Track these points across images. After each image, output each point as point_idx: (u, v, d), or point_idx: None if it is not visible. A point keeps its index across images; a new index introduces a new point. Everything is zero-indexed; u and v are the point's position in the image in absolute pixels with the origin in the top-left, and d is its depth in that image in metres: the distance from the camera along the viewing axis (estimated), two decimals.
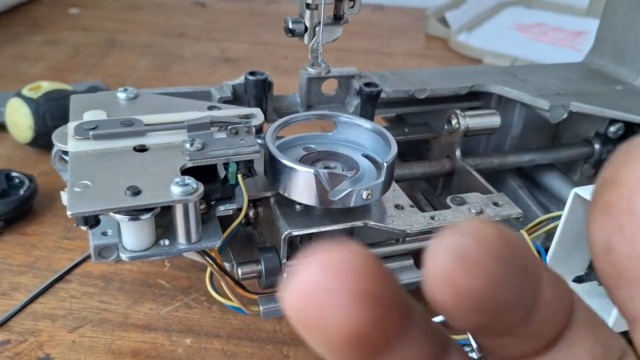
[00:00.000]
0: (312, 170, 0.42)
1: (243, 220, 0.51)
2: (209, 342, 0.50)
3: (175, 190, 0.38)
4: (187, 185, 0.38)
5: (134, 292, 0.54)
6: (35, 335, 0.49)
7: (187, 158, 0.41)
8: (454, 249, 0.16)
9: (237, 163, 0.43)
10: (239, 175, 0.43)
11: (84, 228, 0.39)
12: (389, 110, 0.61)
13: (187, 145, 0.42)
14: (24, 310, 0.51)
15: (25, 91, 0.70)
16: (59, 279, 0.54)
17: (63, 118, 0.66)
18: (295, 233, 0.44)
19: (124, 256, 0.39)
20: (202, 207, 0.42)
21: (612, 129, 0.61)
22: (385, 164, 0.44)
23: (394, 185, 0.50)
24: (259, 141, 0.45)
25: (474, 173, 0.54)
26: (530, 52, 1.07)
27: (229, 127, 0.44)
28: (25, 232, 0.61)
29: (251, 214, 0.50)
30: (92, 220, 0.38)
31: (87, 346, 0.48)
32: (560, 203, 0.61)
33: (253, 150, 0.42)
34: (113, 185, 0.38)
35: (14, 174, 0.64)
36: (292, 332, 0.52)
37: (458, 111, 0.56)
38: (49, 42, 1.10)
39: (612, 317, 0.44)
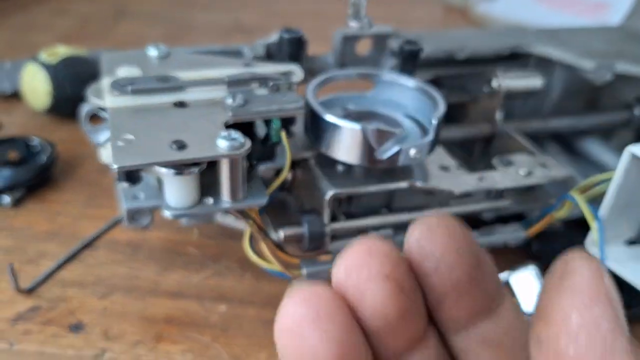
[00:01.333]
0: (358, 127, 0.40)
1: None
2: (244, 309, 0.48)
3: (222, 145, 0.36)
4: (234, 139, 0.36)
5: (163, 259, 0.52)
6: (65, 302, 0.47)
7: (230, 114, 0.39)
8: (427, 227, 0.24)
9: (280, 120, 0.41)
10: (283, 133, 0.41)
11: (125, 184, 0.37)
12: (424, 72, 0.58)
13: (229, 101, 0.39)
14: (52, 277, 0.49)
15: (42, 56, 0.68)
16: (86, 246, 0.53)
17: (82, 83, 0.63)
18: (341, 194, 0.42)
19: (168, 213, 0.37)
20: (245, 164, 0.40)
21: None
22: (434, 122, 0.42)
23: (439, 147, 0.48)
24: None
25: (517, 136, 0.52)
26: (553, 23, 1.05)
27: (271, 84, 0.42)
28: (47, 200, 0.59)
29: (289, 176, 0.48)
30: (135, 176, 0.36)
31: (119, 312, 0.47)
32: (599, 170, 0.59)
33: (297, 107, 0.40)
34: (157, 140, 0.36)
35: (34, 140, 0.62)
36: None
37: (499, 72, 0.54)
38: (58, 11, 1.07)
39: None
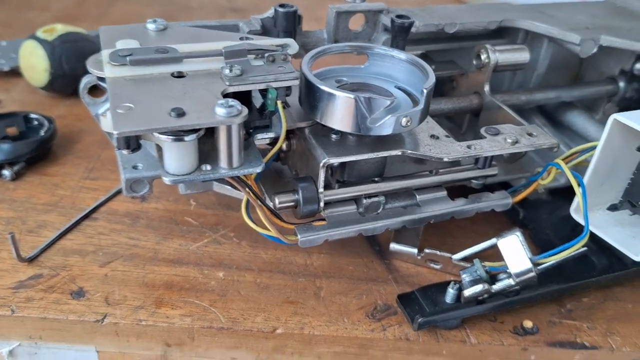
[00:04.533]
0: (352, 96, 0.42)
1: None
2: (241, 275, 0.50)
3: (220, 112, 0.37)
4: (231, 107, 0.37)
5: (162, 229, 0.54)
6: (66, 270, 0.49)
7: (227, 83, 0.40)
8: None
9: (277, 90, 0.42)
10: (279, 102, 0.42)
11: (125, 152, 0.38)
12: (415, 47, 0.60)
13: (227, 71, 0.41)
14: (53, 246, 0.51)
15: (40, 33, 0.69)
16: (86, 216, 0.54)
17: (80, 60, 0.65)
18: (333, 161, 0.43)
19: (166, 179, 0.38)
20: (242, 133, 0.41)
21: (638, 65, 0.61)
22: (424, 91, 0.43)
23: (428, 118, 0.50)
24: None
25: (504, 107, 0.54)
26: None
27: (266, 55, 0.43)
28: (47, 173, 0.60)
29: (284, 145, 0.49)
30: (134, 143, 0.38)
31: (120, 279, 0.48)
32: (584, 141, 0.60)
33: (292, 77, 0.42)
34: (156, 108, 0.37)
35: (33, 115, 0.63)
36: (324, 265, 0.52)
37: (488, 45, 0.55)
38: None
39: None
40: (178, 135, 0.37)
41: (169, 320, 0.45)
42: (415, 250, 0.52)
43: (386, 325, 0.47)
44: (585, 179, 0.47)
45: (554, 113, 0.66)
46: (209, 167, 0.39)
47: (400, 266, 0.53)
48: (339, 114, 0.43)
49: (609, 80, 0.63)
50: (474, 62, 0.57)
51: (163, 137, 0.36)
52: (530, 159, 0.60)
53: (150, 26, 0.48)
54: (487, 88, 0.56)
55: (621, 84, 0.62)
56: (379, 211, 0.48)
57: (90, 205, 0.55)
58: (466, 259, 0.50)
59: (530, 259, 0.44)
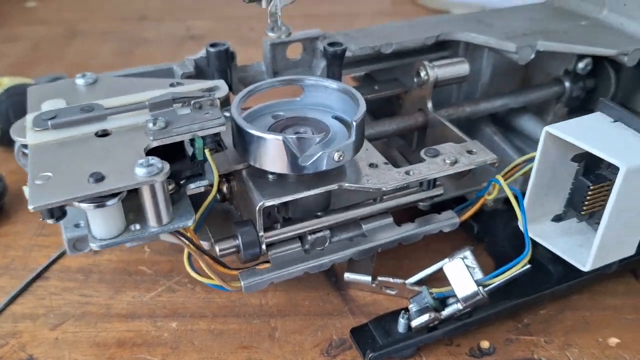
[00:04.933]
0: (280, 137, 0.41)
1: (218, 197, 0.50)
2: (195, 323, 0.49)
3: (140, 172, 0.36)
4: (151, 165, 0.37)
5: (115, 281, 0.53)
6: (16, 337, 0.48)
7: (151, 138, 0.40)
8: None
9: (203, 138, 0.42)
10: (207, 150, 0.42)
11: (50, 221, 0.37)
12: (357, 69, 0.59)
13: (150, 125, 0.40)
14: (2, 313, 0.50)
15: None
16: (37, 277, 0.53)
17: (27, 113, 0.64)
18: (269, 203, 0.43)
19: (94, 245, 0.38)
20: (170, 187, 0.41)
21: (580, 65, 0.61)
22: (354, 123, 0.43)
23: (367, 144, 0.49)
24: (226, 114, 0.44)
25: (447, 123, 0.54)
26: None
27: (192, 102, 0.43)
28: None
29: (225, 189, 0.49)
30: (57, 212, 0.37)
31: (71, 342, 0.48)
32: (536, 145, 0.60)
33: (218, 123, 0.41)
34: (75, 174, 0.37)
35: None
36: (279, 303, 0.51)
37: (426, 62, 0.55)
38: (8, 38, 1.08)
39: (591, 256, 0.44)
40: (99, 201, 0.36)
41: None
42: (369, 278, 0.51)
43: None
44: (528, 191, 0.47)
45: (506, 119, 0.65)
46: (138, 227, 0.39)
47: (357, 296, 0.52)
48: (270, 156, 0.42)
49: (554, 81, 0.63)
50: (415, 79, 0.56)
51: (84, 205, 0.36)
52: (485, 169, 0.60)
53: (80, 81, 0.48)
54: (429, 105, 0.56)
55: (567, 84, 0.62)
56: (324, 246, 0.47)
57: (41, 265, 0.54)
58: (420, 281, 0.50)
59: (477, 282, 0.43)
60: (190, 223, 0.40)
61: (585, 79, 0.63)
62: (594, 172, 0.45)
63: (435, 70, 0.55)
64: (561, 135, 0.43)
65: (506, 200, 0.57)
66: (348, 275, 0.52)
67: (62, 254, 0.56)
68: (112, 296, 0.52)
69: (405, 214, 0.51)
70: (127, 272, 0.54)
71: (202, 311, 0.50)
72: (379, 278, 0.51)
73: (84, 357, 0.46)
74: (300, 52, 0.57)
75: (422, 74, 0.55)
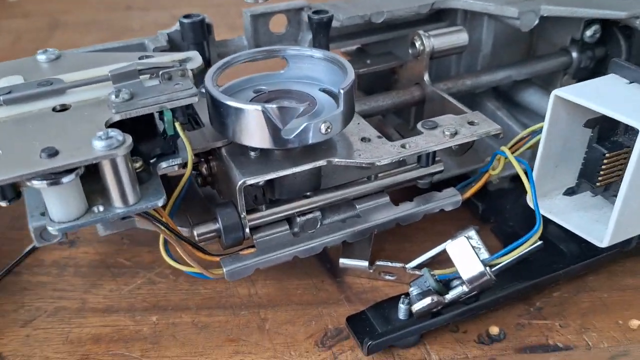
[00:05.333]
0: (259, 107, 0.37)
1: (199, 180, 0.47)
2: (177, 316, 0.45)
3: (98, 146, 0.32)
4: (110, 138, 0.33)
5: (92, 275, 0.49)
6: None
7: (113, 111, 0.36)
8: None
9: (173, 111, 0.37)
10: (177, 124, 0.38)
11: (2, 203, 0.34)
12: (349, 42, 0.55)
13: (113, 97, 0.36)
14: None
15: None
16: (7, 272, 0.49)
17: None
18: (251, 181, 0.39)
19: (52, 229, 0.34)
20: (138, 164, 0.37)
21: (588, 32, 0.56)
22: (341, 91, 0.39)
23: (359, 118, 0.45)
24: (203, 91, 0.40)
25: (446, 96, 0.50)
26: None
27: (161, 73, 0.38)
28: None
29: (204, 170, 0.45)
30: (10, 193, 0.33)
31: (42, 339, 0.44)
32: (543, 120, 0.56)
33: (189, 94, 0.37)
34: (27, 150, 0.33)
35: None
36: (270, 292, 0.47)
37: (421, 32, 0.51)
38: None
39: (609, 230, 0.40)
40: (53, 178, 0.32)
41: None
42: (366, 264, 0.47)
43: (337, 353, 0.42)
44: (536, 164, 0.43)
45: (509, 93, 0.61)
46: (101, 209, 0.35)
47: (354, 283, 0.48)
48: (250, 129, 0.38)
49: (561, 52, 0.58)
50: (410, 50, 0.52)
51: (36, 182, 0.32)
52: (489, 146, 0.56)
53: (41, 57, 0.44)
54: (426, 77, 0.52)
55: (574, 54, 0.58)
56: (316, 228, 0.43)
57: (12, 261, 0.50)
58: (422, 265, 0.45)
59: (483, 261, 0.39)
60: (160, 203, 0.36)
61: (594, 47, 0.58)
62: (609, 139, 0.41)
63: (432, 40, 0.51)
64: (572, 99, 0.39)
65: (513, 178, 0.54)
66: (343, 261, 0.48)
67: (34, 248, 0.51)
68: (88, 290, 0.48)
69: (404, 195, 0.47)
70: (105, 264, 0.50)
71: (185, 303, 0.46)
72: (377, 263, 0.47)
73: (56, 355, 0.42)
74: (285, 25, 0.53)
75: (418, 44, 0.51)
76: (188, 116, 0.41)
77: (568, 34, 0.58)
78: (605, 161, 0.40)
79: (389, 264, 0.47)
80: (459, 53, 0.53)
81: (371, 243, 0.48)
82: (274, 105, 0.37)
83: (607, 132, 0.40)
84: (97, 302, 0.47)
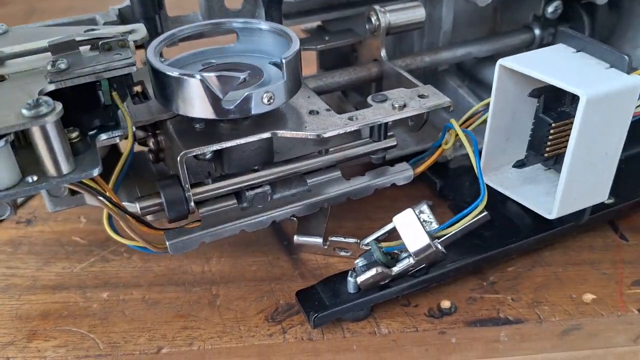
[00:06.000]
0: (197, 77, 0.37)
1: (151, 157, 0.46)
2: (128, 292, 0.45)
3: (27, 113, 0.32)
4: (40, 105, 0.32)
5: (45, 253, 0.49)
6: None
7: (48, 80, 0.35)
8: None
9: (111, 81, 0.37)
10: (115, 94, 0.37)
11: None
12: (308, 19, 0.55)
13: (49, 67, 0.36)
14: None
15: None
16: None
17: None
18: (192, 153, 0.39)
19: None
20: (74, 135, 0.36)
21: (549, 8, 0.56)
22: (284, 61, 0.38)
23: (309, 92, 0.45)
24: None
25: (402, 71, 0.49)
26: None
27: (100, 43, 0.38)
28: None
29: (152, 144, 0.44)
30: None
31: None
32: None
33: (125, 64, 0.37)
34: None
35: None
36: (224, 269, 0.47)
37: (377, 7, 0.50)
38: None
39: (556, 201, 0.39)
40: None
41: (41, 354, 0.40)
42: (320, 240, 0.47)
43: (287, 327, 0.42)
44: (486, 136, 0.42)
45: (473, 71, 0.61)
46: (35, 178, 0.34)
47: (309, 259, 0.48)
48: (191, 99, 0.38)
49: (523, 29, 0.58)
50: (367, 26, 0.52)
51: None
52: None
53: None
54: (383, 53, 0.51)
55: (536, 31, 0.58)
56: (265, 203, 0.43)
57: None
58: (377, 241, 0.45)
59: (429, 233, 0.39)
60: (95, 172, 0.35)
61: (556, 24, 0.58)
62: (555, 109, 0.40)
63: (387, 16, 0.50)
64: (516, 67, 0.38)
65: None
66: (298, 238, 0.47)
67: None
68: (41, 268, 0.47)
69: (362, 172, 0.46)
70: (60, 243, 0.50)
71: (137, 280, 0.46)
72: (331, 238, 0.46)
73: (4, 331, 0.42)
74: (242, 1, 0.53)
75: (373, 19, 0.50)
76: (136, 89, 0.41)
77: (530, 11, 0.57)
78: (551, 131, 0.39)
79: (343, 239, 0.46)
80: (416, 29, 0.53)
81: (327, 219, 0.48)
82: (213, 74, 0.37)
83: (553, 102, 0.40)
84: (48, 280, 0.46)
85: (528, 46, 0.58)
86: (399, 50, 0.60)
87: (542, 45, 0.58)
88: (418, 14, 0.51)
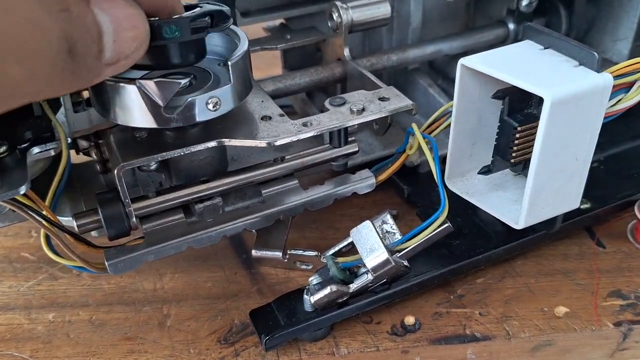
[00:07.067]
0: (135, 83, 0.34)
1: (99, 168, 0.43)
2: (75, 313, 0.42)
3: None
4: None
5: None
6: None
7: None
8: None
9: None
10: (44, 104, 0.34)
11: None
12: (269, 16, 0.52)
13: None
14: None
15: None
16: None
17: None
18: (130, 165, 0.36)
19: None
20: (1, 149, 0.34)
21: (524, 2, 0.53)
22: (229, 63, 0.36)
23: (264, 96, 0.42)
24: None
25: (364, 72, 0.46)
26: None
27: None
28: None
29: (94, 155, 0.41)
30: None
31: None
32: None
33: None
34: None
35: None
36: (177, 286, 0.44)
37: (338, 3, 0.47)
38: None
39: (523, 210, 0.37)
40: None
41: None
42: (279, 253, 0.44)
43: (240, 350, 0.39)
44: (450, 141, 0.40)
45: (446, 69, 0.58)
46: None
47: (268, 274, 0.45)
48: (128, 107, 0.35)
49: (497, 23, 0.55)
50: (329, 24, 0.49)
51: None
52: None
53: None
54: (346, 52, 0.49)
55: (511, 26, 0.55)
56: (216, 216, 0.40)
57: None
58: (340, 254, 0.42)
59: (388, 247, 0.36)
60: (22, 190, 0.33)
61: (532, 18, 0.55)
62: (521, 111, 0.37)
63: (350, 13, 0.47)
64: (478, 67, 0.36)
65: (443, 161, 0.51)
66: (256, 251, 0.44)
67: None
68: None
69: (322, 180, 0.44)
70: (8, 259, 0.47)
71: (85, 300, 0.43)
72: (290, 252, 0.44)
73: None
74: None
75: (335, 16, 0.48)
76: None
77: (504, 5, 0.55)
78: (517, 135, 0.37)
79: (302, 252, 0.43)
80: (382, 26, 0.50)
81: (287, 231, 0.45)
82: (151, 80, 0.34)
83: (519, 104, 0.37)
84: None
85: (502, 42, 0.55)
86: (368, 48, 0.57)
87: (516, 40, 0.55)
88: (383, 10, 0.48)
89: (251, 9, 0.51)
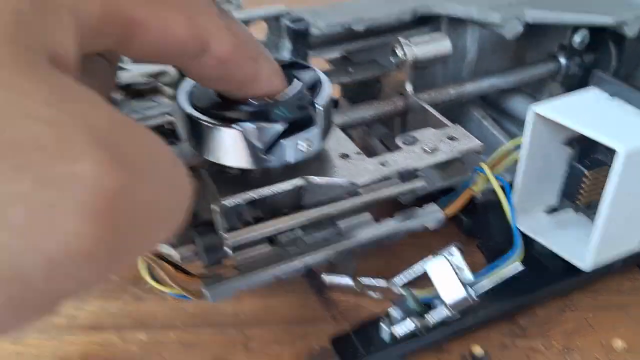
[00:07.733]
0: (238, 128, 0.37)
1: None
2: (165, 334, 0.46)
3: None
4: None
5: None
6: None
7: None
8: None
9: None
10: None
11: None
12: (331, 49, 0.55)
13: None
14: None
15: None
16: None
17: None
18: (229, 203, 0.39)
19: None
20: None
21: (576, 38, 0.56)
22: (319, 108, 0.39)
23: (338, 133, 0.45)
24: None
25: (427, 107, 0.49)
26: None
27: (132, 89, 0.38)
28: None
29: None
30: None
31: (33, 356, 0.44)
32: None
33: (161, 112, 0.37)
34: None
35: None
36: (255, 309, 0.47)
37: (401, 39, 0.50)
38: None
39: (590, 254, 0.39)
40: None
41: None
42: (350, 280, 0.47)
43: None
44: (517, 181, 0.43)
45: (497, 101, 0.61)
46: None
47: (339, 299, 0.48)
48: (227, 149, 0.38)
49: (549, 58, 0.58)
50: (392, 59, 0.52)
51: None
52: (476, 156, 0.55)
53: None
54: (409, 87, 0.51)
55: (562, 61, 0.57)
56: (298, 247, 0.43)
57: None
58: (407, 283, 0.45)
59: (464, 284, 0.39)
60: None
61: (582, 54, 0.58)
62: (589, 157, 0.40)
63: (413, 49, 0.50)
64: (549, 116, 0.39)
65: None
66: (326, 277, 0.47)
67: None
68: (78, 306, 0.48)
69: (386, 206, 0.46)
70: None
71: (172, 321, 0.47)
72: (360, 280, 0.47)
73: None
74: (267, 33, 0.53)
75: (399, 52, 0.50)
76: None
77: (556, 40, 0.57)
78: (585, 180, 0.39)
79: (373, 282, 0.46)
80: (442, 62, 0.53)
81: (356, 258, 0.48)
82: (254, 126, 0.37)
83: (587, 149, 0.40)
84: (85, 319, 0.47)
85: (553, 75, 0.58)
86: (420, 80, 0.60)
87: (567, 75, 0.57)
88: (444, 45, 0.51)
89: (316, 42, 0.54)
